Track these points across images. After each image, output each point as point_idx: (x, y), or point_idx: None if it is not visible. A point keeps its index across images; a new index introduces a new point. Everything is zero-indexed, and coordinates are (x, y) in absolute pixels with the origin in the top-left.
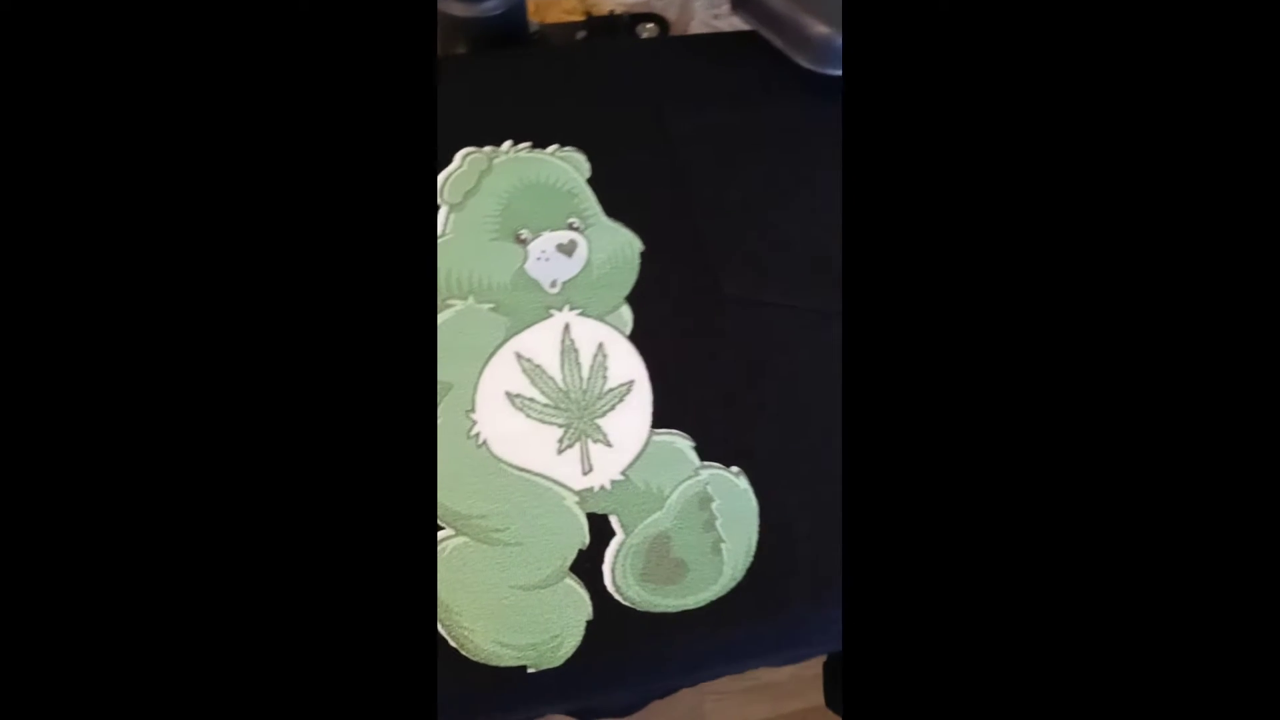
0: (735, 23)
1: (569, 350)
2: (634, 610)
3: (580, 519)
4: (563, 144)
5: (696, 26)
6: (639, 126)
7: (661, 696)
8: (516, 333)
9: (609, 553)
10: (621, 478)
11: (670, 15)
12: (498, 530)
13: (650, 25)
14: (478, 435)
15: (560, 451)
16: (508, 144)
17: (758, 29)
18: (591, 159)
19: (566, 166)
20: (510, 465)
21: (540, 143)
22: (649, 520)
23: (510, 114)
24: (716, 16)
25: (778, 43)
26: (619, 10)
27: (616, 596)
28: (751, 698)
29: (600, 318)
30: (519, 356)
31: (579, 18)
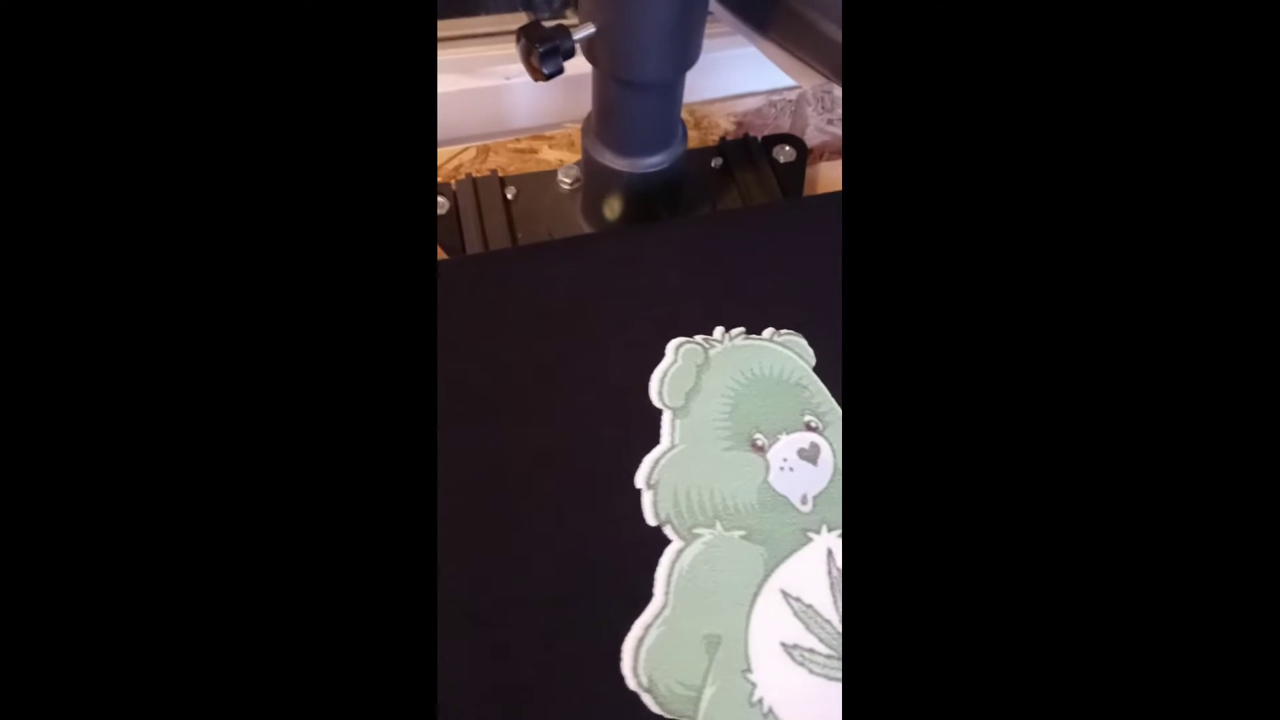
0: None
1: (838, 584)
2: None
3: None
4: (778, 327)
5: (813, 134)
6: None
7: None
8: (776, 565)
9: None
10: None
11: (784, 126)
12: None
13: (787, 148)
14: (762, 702)
15: None
16: (720, 330)
17: None
18: (813, 343)
19: (790, 353)
20: None
21: (753, 327)
22: None
23: (710, 293)
24: (830, 122)
25: None
26: (731, 125)
27: None
28: None
29: None
30: (786, 596)
31: (693, 132)
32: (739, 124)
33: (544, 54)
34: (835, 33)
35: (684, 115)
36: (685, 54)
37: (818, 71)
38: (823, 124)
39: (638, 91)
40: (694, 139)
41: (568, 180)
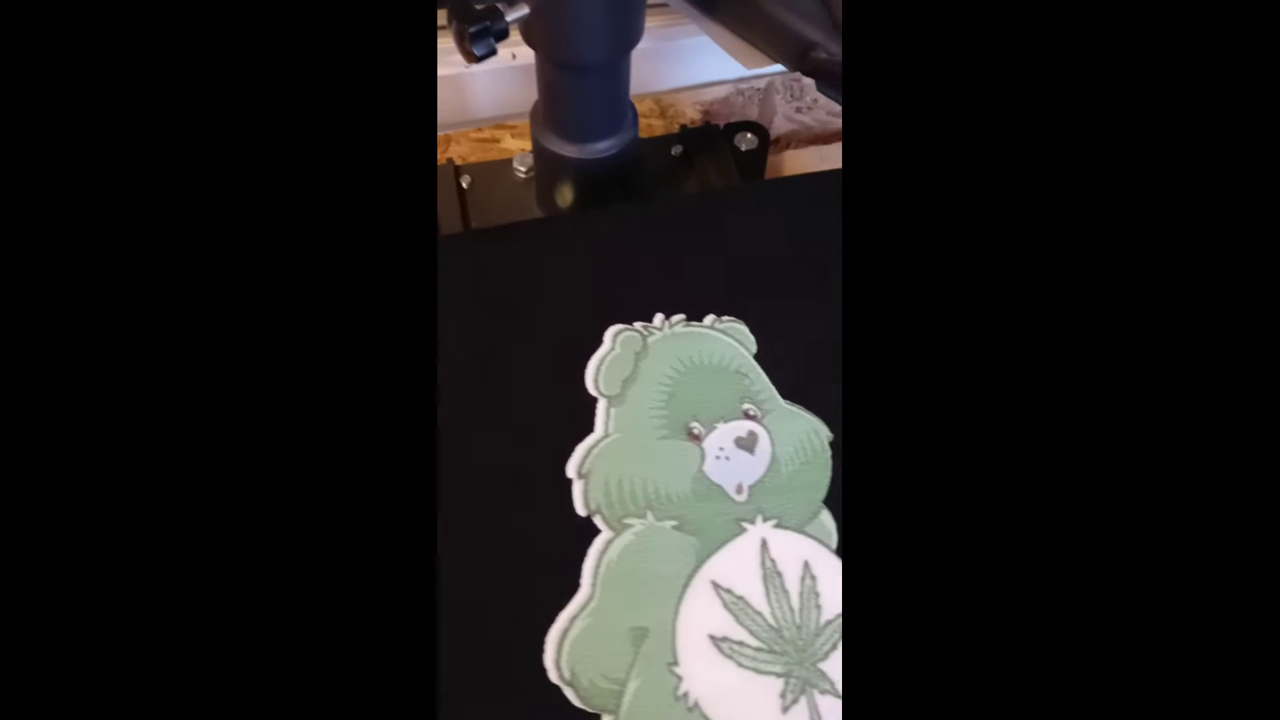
0: (820, 116)
1: (772, 574)
2: None
3: None
4: (719, 313)
5: (780, 123)
6: (800, 285)
7: None
8: (709, 556)
9: None
10: None
11: (751, 114)
12: None
13: (749, 136)
14: (687, 695)
15: (785, 709)
16: (659, 318)
17: (832, 95)
18: (754, 330)
19: (730, 340)
20: None
21: (694, 314)
22: None
23: (652, 280)
24: (799, 110)
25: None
26: (698, 114)
27: None
28: None
29: (800, 529)
30: (717, 587)
31: (658, 121)
32: (706, 113)
33: (474, 35)
34: (782, 14)
35: (650, 104)
36: (625, 34)
37: (765, 54)
38: (791, 112)
39: (579, 74)
40: (659, 128)
41: (523, 169)
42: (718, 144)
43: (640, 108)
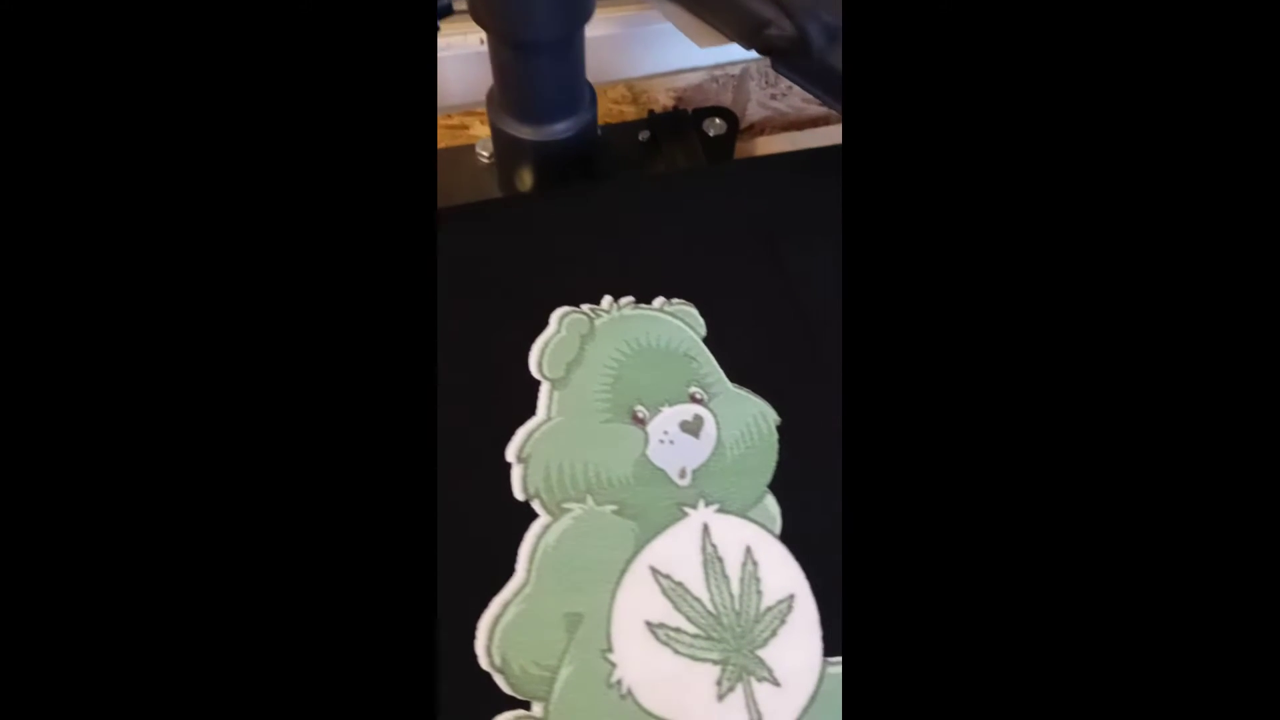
0: (795, 103)
1: (712, 560)
2: None
3: None
4: (669, 296)
5: (755, 110)
6: (751, 267)
7: None
8: (648, 541)
9: None
10: None
11: (725, 101)
12: None
13: (718, 121)
14: (620, 683)
15: (721, 696)
16: (608, 300)
17: (802, 85)
18: (705, 313)
19: (679, 323)
20: None
21: (644, 296)
22: None
23: (603, 262)
24: (774, 97)
25: (822, 97)
26: (677, 103)
27: None
28: None
29: (743, 514)
30: (655, 573)
31: (630, 107)
32: (679, 99)
33: None
34: None
35: (622, 90)
36: (575, 9)
37: (719, 33)
38: (765, 99)
39: (530, 53)
40: (632, 114)
41: (485, 154)
42: (685, 129)
43: (612, 94)
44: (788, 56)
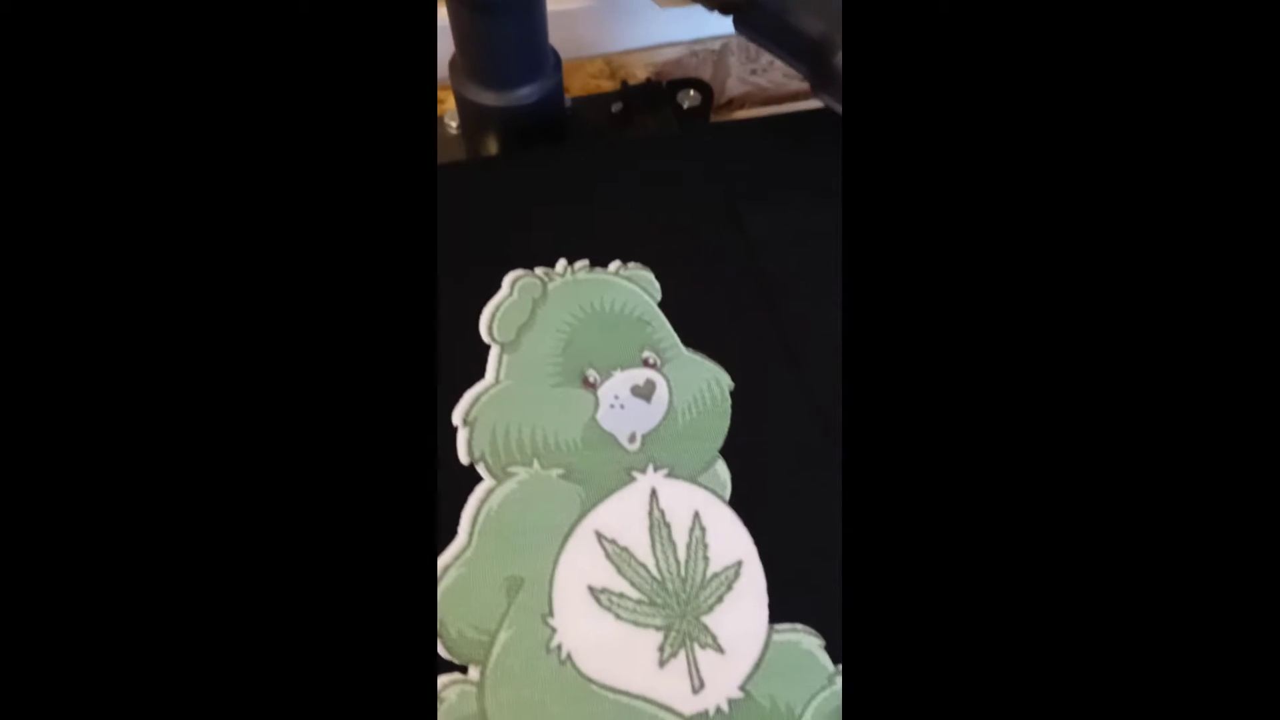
0: (775, 78)
1: (659, 525)
2: None
3: None
4: (626, 259)
5: (734, 85)
6: (711, 232)
7: None
8: (594, 505)
9: None
10: (741, 695)
11: (705, 75)
12: None
13: (692, 93)
14: (560, 648)
15: (663, 663)
16: (562, 263)
17: (761, 44)
18: (661, 276)
19: (634, 288)
20: (604, 687)
21: (600, 259)
22: None
23: (561, 225)
24: (754, 73)
25: (781, 55)
26: (652, 76)
27: None
28: None
29: (692, 479)
30: (600, 537)
31: (607, 82)
32: (658, 74)
33: None
34: None
35: (601, 65)
36: None
37: None
38: (745, 74)
39: (487, 12)
40: (609, 89)
41: (454, 124)
42: (659, 101)
43: (590, 69)
44: (746, 14)
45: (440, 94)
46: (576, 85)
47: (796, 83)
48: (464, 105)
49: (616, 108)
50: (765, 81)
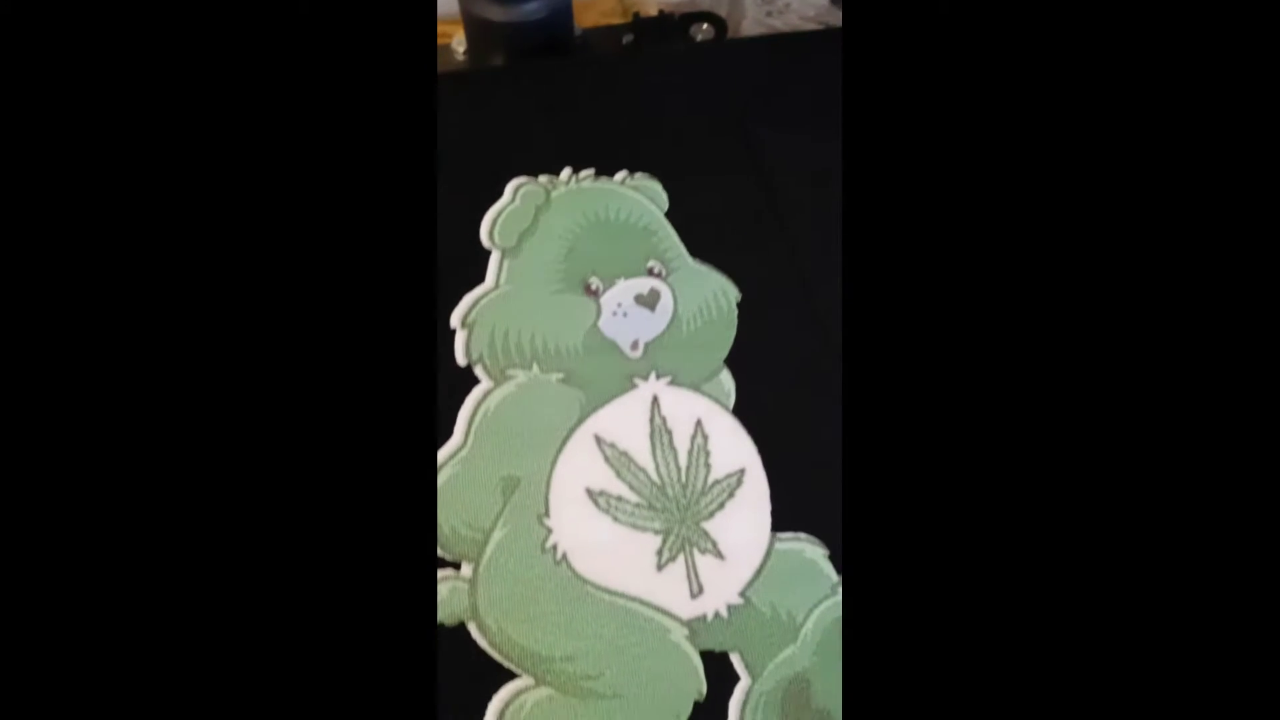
0: (792, 20)
1: (660, 431)
2: None
3: (693, 659)
4: (632, 170)
5: (749, 27)
6: (720, 146)
7: None
8: (594, 410)
9: (733, 704)
10: (740, 601)
11: (720, 13)
12: (589, 678)
13: (705, 26)
14: (555, 548)
15: (661, 567)
16: (567, 172)
17: None
18: (668, 187)
19: (640, 198)
20: (599, 588)
21: (606, 169)
22: (781, 658)
23: (567, 135)
24: (770, 15)
25: None
26: (667, 9)
27: None
28: None
29: (695, 387)
30: (600, 441)
31: (620, 19)
32: (675, 7)
33: None
34: None
35: (613, 3)
36: None
37: None
38: (761, 15)
39: None
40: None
41: (460, 50)
42: (671, 34)
43: (603, 6)
44: None
45: (447, 29)
46: (589, 22)
47: (811, 25)
48: (471, 22)
49: (627, 39)
50: (781, 24)
